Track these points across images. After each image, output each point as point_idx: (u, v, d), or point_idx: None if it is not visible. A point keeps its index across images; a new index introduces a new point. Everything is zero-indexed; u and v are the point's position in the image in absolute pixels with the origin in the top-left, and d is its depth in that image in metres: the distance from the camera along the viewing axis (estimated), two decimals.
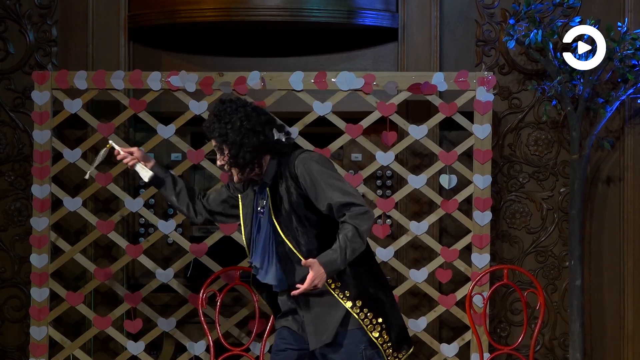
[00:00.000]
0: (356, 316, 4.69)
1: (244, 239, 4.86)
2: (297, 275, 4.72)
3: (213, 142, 4.75)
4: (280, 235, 4.72)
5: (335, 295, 4.70)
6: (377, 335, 4.71)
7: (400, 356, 4.78)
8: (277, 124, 4.77)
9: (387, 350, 4.74)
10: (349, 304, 4.69)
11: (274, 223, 4.73)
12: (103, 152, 5.04)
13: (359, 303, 4.70)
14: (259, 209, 4.79)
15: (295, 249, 4.70)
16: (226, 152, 4.70)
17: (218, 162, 4.76)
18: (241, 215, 4.86)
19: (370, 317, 4.71)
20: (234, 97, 4.98)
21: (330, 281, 4.67)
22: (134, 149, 5.01)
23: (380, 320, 4.72)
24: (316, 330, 4.72)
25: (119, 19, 6.61)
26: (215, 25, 6.44)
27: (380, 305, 4.74)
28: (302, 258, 4.65)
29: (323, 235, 4.70)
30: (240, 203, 4.88)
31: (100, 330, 6.31)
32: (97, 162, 5.07)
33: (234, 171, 4.74)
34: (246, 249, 4.86)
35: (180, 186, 5.04)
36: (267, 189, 4.76)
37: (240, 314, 6.30)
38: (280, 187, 4.73)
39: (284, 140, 4.74)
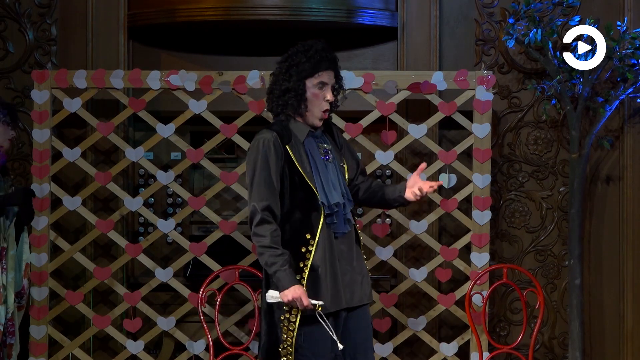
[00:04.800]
0: None
1: (310, 182, 4.87)
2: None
3: (331, 75, 5.01)
4: (346, 172, 5.05)
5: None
6: None
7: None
8: None
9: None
10: None
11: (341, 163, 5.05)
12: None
13: None
14: (320, 151, 4.96)
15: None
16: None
17: (330, 97, 4.96)
18: (297, 162, 4.88)
19: None
20: None
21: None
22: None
23: None
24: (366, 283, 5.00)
25: (118, 18, 6.61)
26: (215, 24, 6.44)
27: None
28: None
29: None
30: (291, 152, 4.89)
31: (100, 329, 6.31)
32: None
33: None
34: (315, 190, 4.87)
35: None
36: (328, 135, 5.08)
37: (239, 313, 6.30)
38: (335, 138, 5.10)
39: None
